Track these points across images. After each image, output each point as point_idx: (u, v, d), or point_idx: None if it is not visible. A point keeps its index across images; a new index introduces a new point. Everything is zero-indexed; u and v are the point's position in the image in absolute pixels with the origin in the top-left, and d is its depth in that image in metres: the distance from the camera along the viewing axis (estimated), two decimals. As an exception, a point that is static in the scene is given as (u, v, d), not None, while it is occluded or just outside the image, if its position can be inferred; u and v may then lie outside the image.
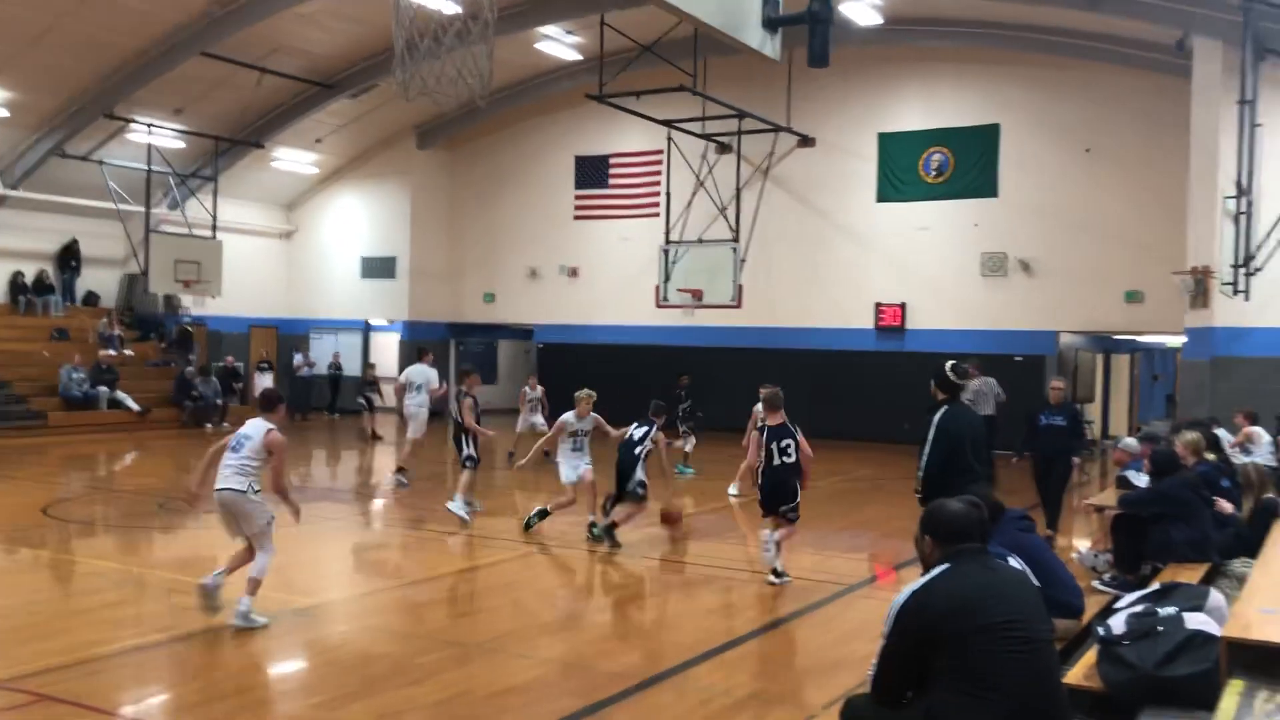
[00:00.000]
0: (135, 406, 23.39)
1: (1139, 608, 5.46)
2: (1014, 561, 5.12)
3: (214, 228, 25.23)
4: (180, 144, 25.26)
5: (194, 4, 20.61)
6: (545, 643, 7.70)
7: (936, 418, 7.84)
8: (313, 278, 30.29)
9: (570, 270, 27.68)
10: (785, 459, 9.44)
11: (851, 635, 7.92)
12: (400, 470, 15.44)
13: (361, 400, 23.82)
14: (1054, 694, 4.03)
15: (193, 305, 26.48)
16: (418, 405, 15.85)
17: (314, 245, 30.30)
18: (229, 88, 23.67)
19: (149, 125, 23.55)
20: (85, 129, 23.10)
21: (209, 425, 23.96)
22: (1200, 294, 18.03)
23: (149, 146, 23.96)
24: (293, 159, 28.14)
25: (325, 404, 28.20)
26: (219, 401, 24.52)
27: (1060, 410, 12.00)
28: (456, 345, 30.06)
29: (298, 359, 27.21)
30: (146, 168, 23.96)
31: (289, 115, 25.74)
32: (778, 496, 9.52)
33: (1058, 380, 12.82)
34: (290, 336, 29.76)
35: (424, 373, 15.99)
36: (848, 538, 13.01)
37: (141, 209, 24.31)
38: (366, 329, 29.84)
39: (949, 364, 8.07)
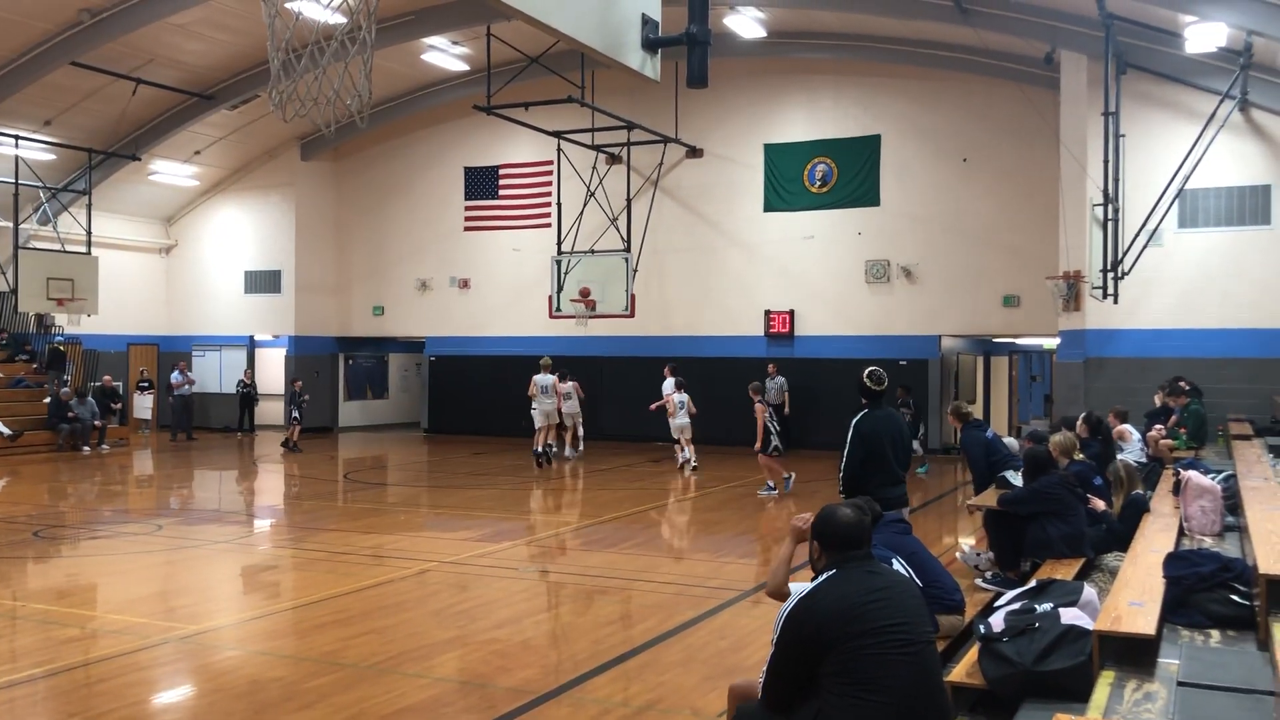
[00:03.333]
0: (6, 430, 22.40)
1: (1017, 605, 5.66)
2: (897, 564, 5.27)
3: (88, 243, 24.38)
4: (50, 156, 24.36)
5: (63, 13, 19.90)
6: (440, 661, 7.63)
7: (854, 421, 8.15)
8: (194, 293, 29.46)
9: (461, 282, 27.46)
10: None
11: (746, 641, 8.03)
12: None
13: (295, 415, 23.67)
14: (937, 693, 4.16)
15: (67, 324, 25.51)
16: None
17: (195, 260, 29.48)
18: (102, 99, 22.92)
19: (16, 137, 22.64)
20: (-53, 142, 22.13)
21: (87, 448, 23.10)
22: (1072, 298, 18.78)
23: (16, 159, 23.04)
24: (171, 171, 27.33)
25: (229, 423, 27.61)
26: (97, 423, 23.64)
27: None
28: (345, 359, 29.57)
29: (175, 377, 26.41)
30: (14, 181, 23.03)
31: (166, 127, 25.01)
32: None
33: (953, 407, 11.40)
34: (171, 354, 28.88)
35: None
36: (743, 543, 13.18)
37: (9, 224, 23.36)
38: (252, 344, 29.12)
39: (866, 370, 8.38)
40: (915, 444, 18.99)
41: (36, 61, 20.93)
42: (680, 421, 19.66)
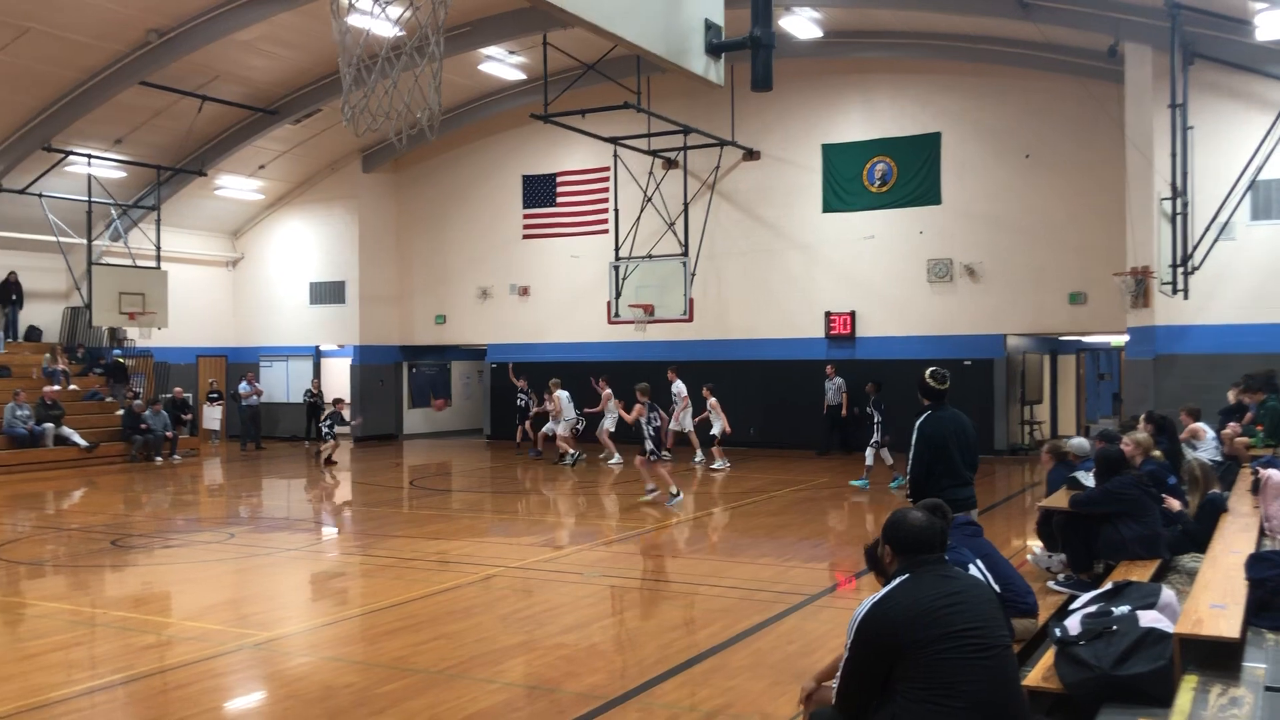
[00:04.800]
0: (82, 442, 22.98)
1: (1093, 607, 5.55)
2: (975, 568, 5.19)
3: (158, 258, 24.93)
4: (121, 174, 24.96)
5: (132, 33, 20.38)
6: (508, 666, 7.67)
7: (918, 423, 8.01)
8: (261, 305, 30.00)
9: (521, 289, 27.65)
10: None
11: (815, 645, 7.97)
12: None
13: (325, 428, 23.00)
14: (1014, 698, 4.09)
15: (138, 337, 26.11)
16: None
17: (261, 272, 30.02)
18: (169, 116, 23.44)
19: (88, 156, 23.24)
20: (23, 161, 22.72)
21: (159, 458, 23.60)
22: (1141, 294, 18.40)
23: (89, 177, 23.64)
24: (237, 186, 27.88)
25: (296, 432, 28.04)
26: (168, 434, 24.15)
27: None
28: (409, 368, 29.90)
29: (244, 387, 26.89)
30: (87, 199, 23.63)
31: (231, 142, 25.52)
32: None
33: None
34: (239, 365, 29.44)
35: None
36: (807, 547, 13.09)
37: (83, 241, 23.97)
38: (317, 354, 29.58)
39: (928, 370, 8.22)
40: (883, 452, 18.09)
41: (107, 82, 21.47)
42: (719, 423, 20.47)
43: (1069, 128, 21.70)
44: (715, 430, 20.64)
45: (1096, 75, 20.18)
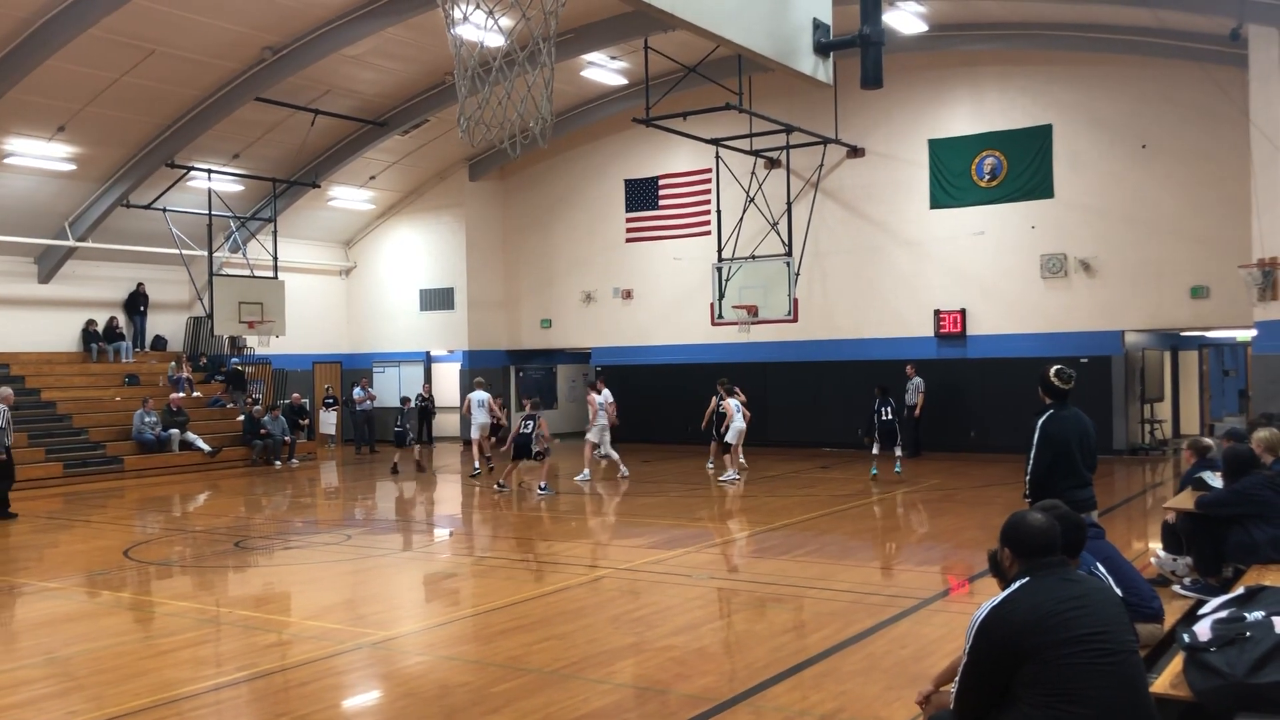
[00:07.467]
0: (206, 447, 23.85)
1: (1224, 613, 5.33)
2: (1098, 570, 5.04)
3: (275, 268, 25.72)
4: (239, 187, 25.82)
5: (247, 52, 21.09)
6: (619, 667, 7.70)
7: (1040, 422, 7.83)
8: (373, 312, 30.75)
9: (624, 293, 27.80)
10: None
11: (930, 650, 7.83)
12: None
13: (400, 431, 22.45)
14: (1141, 704, 3.96)
15: (257, 345, 26.97)
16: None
17: (373, 280, 30.77)
18: (284, 130, 24.18)
19: (208, 171, 24.10)
20: (148, 178, 23.68)
21: (278, 462, 24.34)
22: (1269, 286, 17.68)
23: (209, 191, 24.51)
24: (349, 197, 28.63)
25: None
26: (286, 439, 24.89)
27: None
28: (516, 372, 30.31)
29: (358, 393, 27.58)
30: (208, 212, 24.50)
31: (343, 154, 26.20)
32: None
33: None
34: (353, 371, 30.20)
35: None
36: (920, 551, 12.88)
37: (204, 253, 24.87)
38: (428, 360, 30.18)
39: (1053, 368, 8.02)
40: (896, 449, 18.93)
41: (225, 99, 22.24)
42: (740, 426, 19.31)
43: (1187, 115, 20.94)
44: (730, 436, 19.21)
45: (1216, 60, 19.43)
